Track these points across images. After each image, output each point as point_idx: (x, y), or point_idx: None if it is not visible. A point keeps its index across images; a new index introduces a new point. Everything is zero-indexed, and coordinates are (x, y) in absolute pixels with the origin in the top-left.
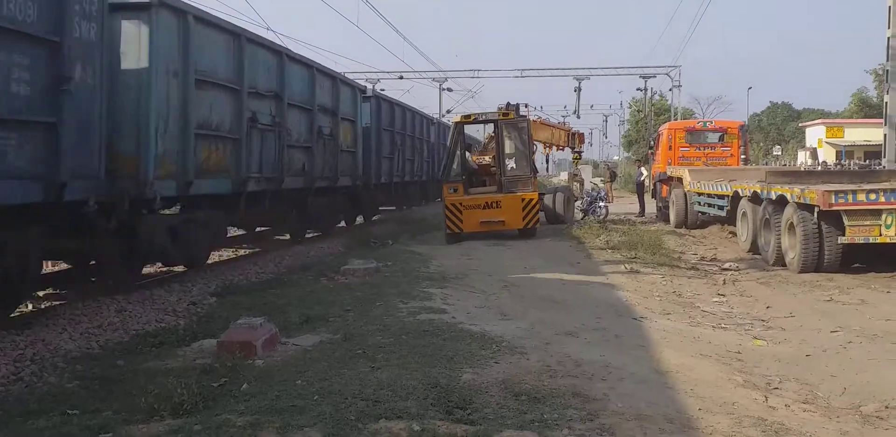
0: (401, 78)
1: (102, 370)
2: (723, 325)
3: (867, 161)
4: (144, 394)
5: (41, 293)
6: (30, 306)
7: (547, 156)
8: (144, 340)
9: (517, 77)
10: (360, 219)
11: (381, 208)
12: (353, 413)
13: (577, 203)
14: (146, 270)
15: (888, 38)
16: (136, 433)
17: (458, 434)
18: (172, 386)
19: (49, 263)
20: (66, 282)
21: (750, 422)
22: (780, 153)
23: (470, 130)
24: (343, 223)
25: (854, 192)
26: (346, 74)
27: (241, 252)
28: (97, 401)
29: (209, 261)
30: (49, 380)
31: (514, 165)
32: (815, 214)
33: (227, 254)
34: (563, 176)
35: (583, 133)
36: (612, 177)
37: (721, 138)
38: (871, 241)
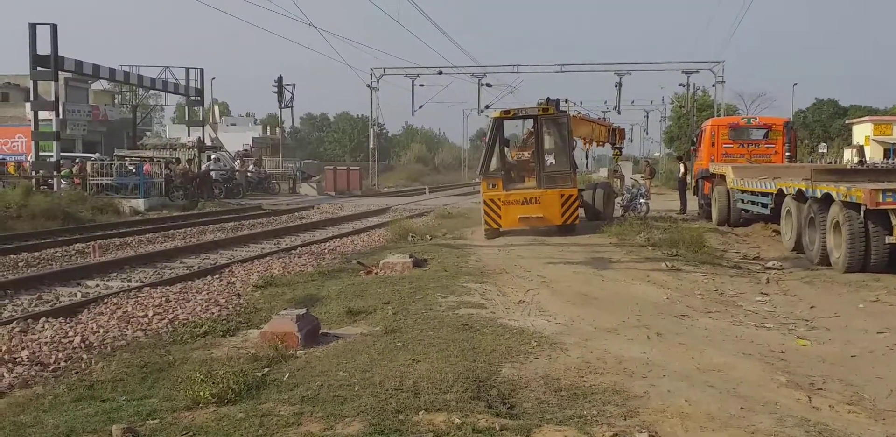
0: (440, 73)
1: (149, 357)
2: (766, 324)
3: None
4: (190, 382)
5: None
6: (79, 296)
7: (587, 151)
8: (190, 329)
9: (557, 72)
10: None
11: None
12: (395, 405)
13: (618, 200)
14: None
15: None
16: (183, 420)
17: (498, 428)
18: (218, 375)
19: None
20: None
21: (793, 422)
22: (825, 151)
23: (508, 125)
24: None
25: None
26: (386, 70)
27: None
28: (144, 388)
29: (251, 254)
30: (98, 367)
31: (554, 161)
32: (862, 213)
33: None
34: (603, 172)
35: (623, 129)
36: (652, 174)
37: (765, 135)
38: None
